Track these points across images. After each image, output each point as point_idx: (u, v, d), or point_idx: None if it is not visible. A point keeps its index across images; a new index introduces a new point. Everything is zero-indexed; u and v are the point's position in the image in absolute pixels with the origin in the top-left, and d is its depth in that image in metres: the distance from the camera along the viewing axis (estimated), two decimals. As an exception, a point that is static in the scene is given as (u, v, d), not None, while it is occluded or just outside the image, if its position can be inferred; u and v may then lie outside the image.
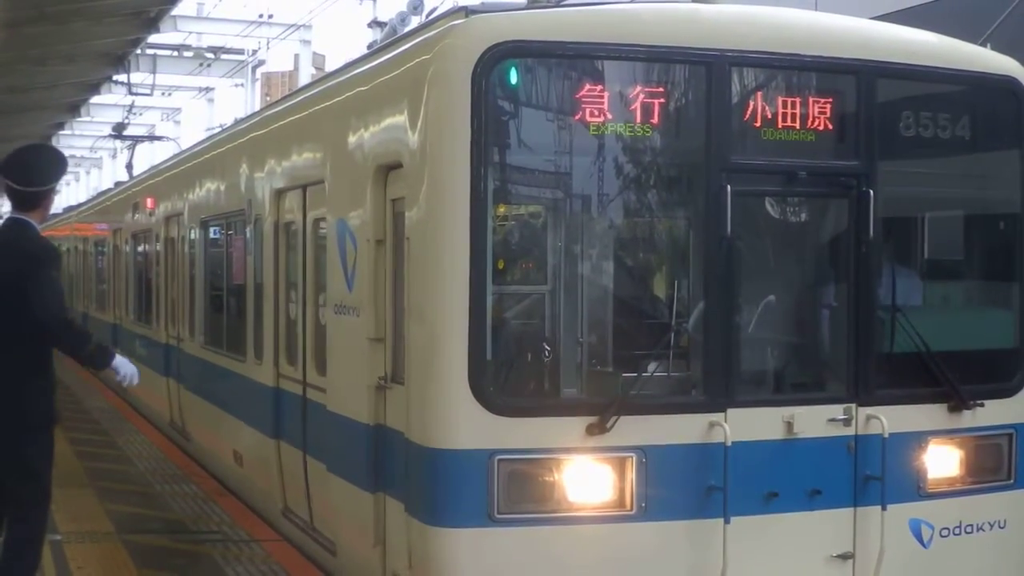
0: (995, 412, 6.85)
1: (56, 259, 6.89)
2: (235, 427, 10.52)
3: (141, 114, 34.22)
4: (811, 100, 6.46)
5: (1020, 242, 7.11)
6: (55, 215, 30.69)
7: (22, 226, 6.69)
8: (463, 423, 5.96)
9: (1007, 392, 6.95)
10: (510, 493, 5.94)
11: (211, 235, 12.22)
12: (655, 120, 6.23)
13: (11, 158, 6.93)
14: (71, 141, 42.84)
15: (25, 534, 6.57)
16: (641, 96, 6.18)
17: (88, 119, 35.92)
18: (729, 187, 6.20)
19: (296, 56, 27.41)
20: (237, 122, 13.69)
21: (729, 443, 6.12)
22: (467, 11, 6.21)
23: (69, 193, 53.96)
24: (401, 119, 6.52)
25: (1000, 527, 6.91)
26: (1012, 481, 6.96)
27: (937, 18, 11.91)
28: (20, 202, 6.70)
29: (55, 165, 6.94)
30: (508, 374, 6.27)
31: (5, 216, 6.77)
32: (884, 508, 6.45)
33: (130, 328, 17.43)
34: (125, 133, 26.85)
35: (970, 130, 7.00)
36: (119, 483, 11.30)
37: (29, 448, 6.55)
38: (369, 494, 6.97)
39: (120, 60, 24.27)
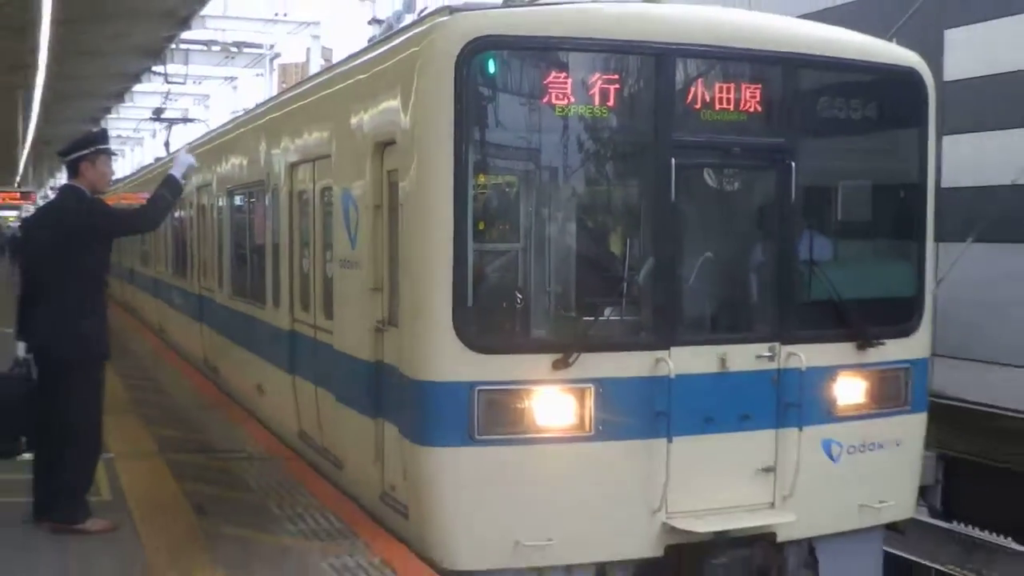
0: (895, 349, 6.92)
1: (103, 205, 6.83)
2: (257, 364, 10.48)
3: (176, 100, 33.76)
4: (743, 86, 6.45)
5: (918, 207, 7.15)
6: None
7: (75, 193, 6.69)
8: (448, 359, 5.97)
9: (905, 333, 7.03)
10: (488, 418, 5.97)
11: (236, 202, 12.13)
12: (611, 103, 6.20)
13: None
14: (117, 123, 42.36)
15: (91, 450, 6.66)
16: (599, 82, 6.15)
17: (131, 104, 35.46)
18: (674, 160, 6.20)
19: (307, 49, 26.98)
20: (257, 106, 13.54)
21: (673, 376, 6.16)
22: (451, 10, 6.16)
23: (117, 168, 53.41)
24: (395, 103, 6.47)
25: (897, 445, 7.00)
26: (908, 407, 7.05)
27: (852, 17, 11.86)
28: (68, 170, 6.79)
29: (83, 137, 6.97)
30: (486, 318, 6.26)
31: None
32: (801, 430, 6.52)
33: (169, 281, 17.32)
34: (163, 116, 26.57)
35: (877, 112, 7.03)
36: (160, 411, 11.27)
37: (88, 380, 6.54)
38: (370, 419, 6.98)
39: (157, 54, 23.97)
